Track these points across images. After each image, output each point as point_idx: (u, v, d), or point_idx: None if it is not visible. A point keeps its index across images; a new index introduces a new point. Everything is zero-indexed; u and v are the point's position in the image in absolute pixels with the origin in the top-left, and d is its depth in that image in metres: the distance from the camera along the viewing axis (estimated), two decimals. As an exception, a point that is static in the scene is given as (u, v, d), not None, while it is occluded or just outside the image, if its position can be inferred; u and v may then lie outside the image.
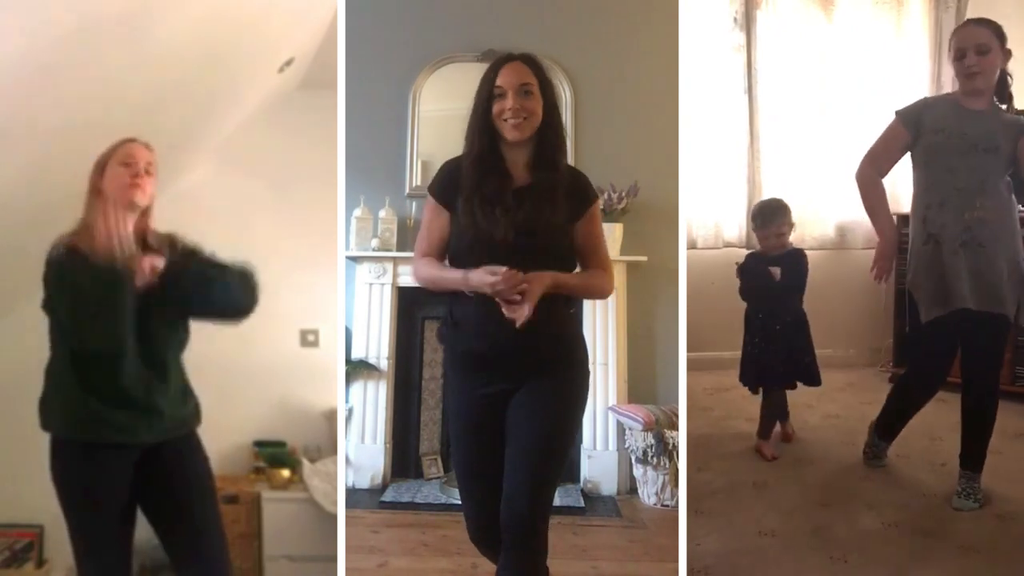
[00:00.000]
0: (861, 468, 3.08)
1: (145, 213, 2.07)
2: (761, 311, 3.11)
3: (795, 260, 3.14)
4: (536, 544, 1.83)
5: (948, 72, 4.77)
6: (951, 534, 2.57)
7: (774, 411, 3.18)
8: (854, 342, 4.80)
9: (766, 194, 4.68)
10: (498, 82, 1.85)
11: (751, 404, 3.29)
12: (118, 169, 2.02)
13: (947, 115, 2.67)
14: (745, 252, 3.31)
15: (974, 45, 2.57)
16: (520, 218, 1.82)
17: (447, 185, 1.91)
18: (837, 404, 3.88)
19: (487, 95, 1.86)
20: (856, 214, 4.82)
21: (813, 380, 3.16)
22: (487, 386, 1.90)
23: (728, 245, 4.51)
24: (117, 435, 1.97)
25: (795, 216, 4.76)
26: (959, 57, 2.62)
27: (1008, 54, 2.63)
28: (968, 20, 2.72)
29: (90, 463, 1.96)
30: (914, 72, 4.83)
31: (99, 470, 1.97)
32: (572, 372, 1.93)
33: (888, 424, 3.00)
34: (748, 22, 4.62)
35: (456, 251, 1.89)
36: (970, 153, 2.61)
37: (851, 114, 4.77)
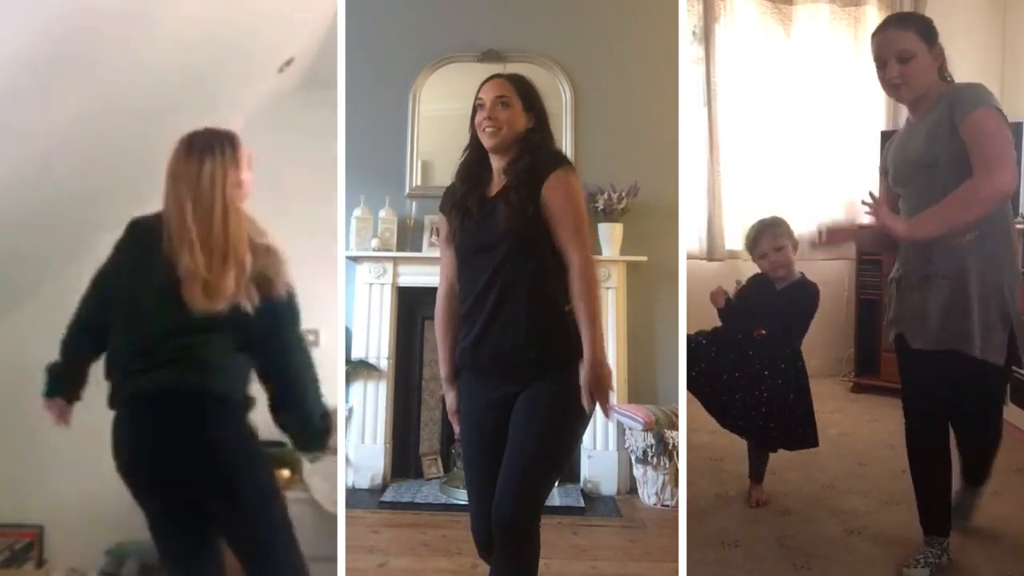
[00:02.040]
0: (823, 475, 3.08)
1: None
2: (752, 347, 2.76)
3: (802, 290, 2.77)
4: (522, 548, 1.84)
5: None
6: (912, 540, 2.57)
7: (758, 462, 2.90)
8: (816, 352, 4.80)
9: (726, 207, 4.71)
10: (479, 95, 1.98)
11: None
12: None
13: (897, 143, 2.37)
14: (705, 263, 3.20)
15: (895, 52, 2.18)
16: (488, 225, 1.90)
17: (445, 201, 2.05)
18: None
19: (473, 108, 1.99)
20: (815, 226, 4.89)
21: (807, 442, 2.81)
22: (491, 391, 1.93)
23: (690, 257, 4.53)
24: None
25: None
26: (881, 67, 2.24)
27: (940, 53, 2.22)
28: (887, 20, 2.31)
29: None
30: (871, 90, 4.84)
31: None
32: (572, 375, 1.90)
33: (933, 508, 2.38)
34: (707, 35, 4.64)
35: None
36: (915, 176, 2.26)
37: (810, 128, 4.84)
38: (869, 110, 4.83)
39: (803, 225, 4.85)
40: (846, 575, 2.43)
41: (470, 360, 1.97)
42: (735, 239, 4.79)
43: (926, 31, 2.21)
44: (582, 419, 1.93)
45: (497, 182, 1.96)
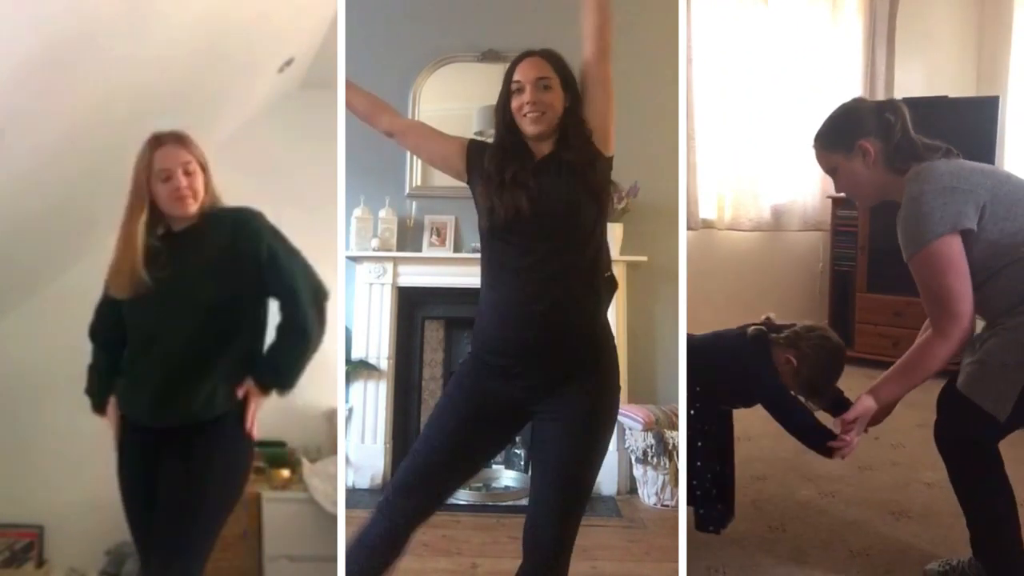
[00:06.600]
0: (797, 442, 3.10)
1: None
2: None
3: None
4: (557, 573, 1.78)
5: (882, 60, 4.85)
6: (885, 503, 2.69)
7: None
8: (789, 321, 4.85)
9: (701, 176, 4.70)
10: (516, 77, 1.83)
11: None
12: (159, 187, 2.00)
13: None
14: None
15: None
16: (537, 191, 1.76)
17: (474, 151, 1.91)
18: (773, 381, 3.94)
19: (506, 92, 1.84)
20: (790, 196, 5.02)
21: None
22: (507, 382, 1.80)
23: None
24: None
25: (731, 198, 4.87)
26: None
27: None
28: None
29: None
30: (848, 60, 4.94)
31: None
32: (605, 380, 1.82)
33: None
34: (684, 2, 4.64)
35: (481, 229, 1.85)
36: None
37: (786, 98, 4.90)
38: (846, 80, 4.87)
39: (779, 195, 4.91)
40: (820, 536, 2.49)
41: (492, 346, 1.82)
42: (710, 208, 4.85)
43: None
44: (612, 429, 1.85)
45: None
